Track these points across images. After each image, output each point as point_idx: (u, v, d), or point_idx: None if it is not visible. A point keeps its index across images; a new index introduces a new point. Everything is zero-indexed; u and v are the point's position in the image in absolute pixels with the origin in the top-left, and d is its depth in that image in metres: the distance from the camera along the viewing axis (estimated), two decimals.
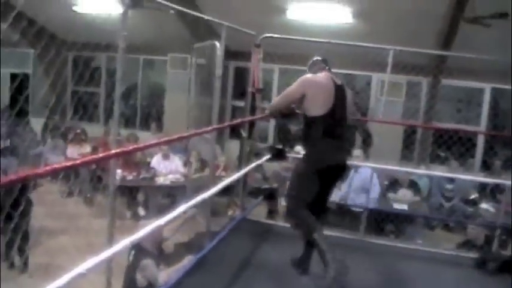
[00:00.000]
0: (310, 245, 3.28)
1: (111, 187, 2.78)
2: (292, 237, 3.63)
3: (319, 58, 3.56)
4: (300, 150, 7.75)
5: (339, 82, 3.33)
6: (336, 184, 3.61)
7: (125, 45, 2.74)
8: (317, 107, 3.20)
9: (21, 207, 4.56)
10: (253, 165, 4.01)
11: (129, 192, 7.72)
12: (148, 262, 3.63)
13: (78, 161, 1.62)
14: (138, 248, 3.61)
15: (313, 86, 3.25)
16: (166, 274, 3.58)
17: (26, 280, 5.20)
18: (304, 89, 3.25)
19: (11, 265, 5.41)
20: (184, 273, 3.27)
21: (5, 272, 5.24)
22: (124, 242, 1.98)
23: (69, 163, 1.61)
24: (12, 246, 5.19)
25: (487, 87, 9.04)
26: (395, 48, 4.83)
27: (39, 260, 5.59)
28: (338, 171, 3.37)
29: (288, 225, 4.25)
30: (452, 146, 8.69)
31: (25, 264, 5.43)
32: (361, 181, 6.33)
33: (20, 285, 5.06)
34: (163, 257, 3.87)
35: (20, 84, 11.23)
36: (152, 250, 3.73)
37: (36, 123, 10.43)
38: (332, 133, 3.21)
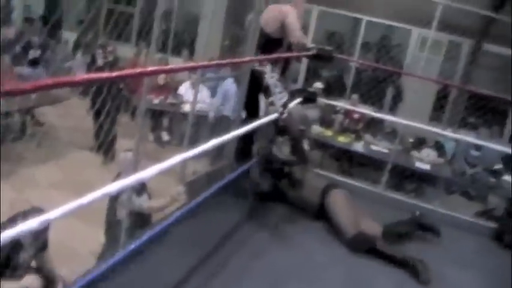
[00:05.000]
0: None
1: (142, 108, 2.74)
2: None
3: None
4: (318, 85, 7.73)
5: None
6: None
7: None
8: None
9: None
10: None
11: (153, 115, 7.75)
12: (126, 197, 3.34)
13: (106, 75, 1.55)
14: None
15: None
16: (153, 202, 3.61)
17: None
18: None
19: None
20: (201, 201, 3.29)
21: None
22: (151, 170, 1.93)
23: (96, 75, 1.56)
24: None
25: None
26: (444, 3, 4.63)
27: (60, 173, 5.70)
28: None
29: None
30: (484, 113, 8.47)
31: (107, 151, 6.17)
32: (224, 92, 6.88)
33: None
34: (144, 188, 3.84)
35: None
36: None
37: (69, 37, 10.39)
38: None
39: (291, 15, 3.91)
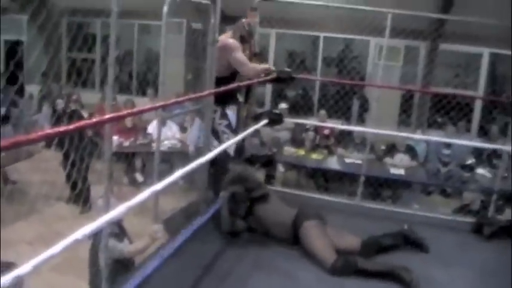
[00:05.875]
0: None
1: (107, 152, 2.75)
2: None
3: None
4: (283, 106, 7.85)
5: None
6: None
7: (118, 9, 2.66)
8: None
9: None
10: (250, 130, 3.97)
11: (126, 158, 7.73)
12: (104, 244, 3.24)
13: (71, 126, 1.58)
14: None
15: None
16: (133, 245, 3.56)
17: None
18: None
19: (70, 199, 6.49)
20: (180, 238, 3.30)
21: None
22: (120, 208, 1.96)
23: (62, 128, 1.57)
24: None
25: (486, 52, 8.95)
26: (393, 12, 4.76)
27: (38, 228, 5.60)
28: None
29: (285, 190, 4.25)
30: (449, 111, 8.63)
31: (86, 200, 5.93)
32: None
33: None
34: (124, 233, 3.80)
35: (14, 51, 11.04)
36: (111, 229, 3.53)
37: (33, 90, 10.35)
38: None
39: (235, 51, 3.93)
